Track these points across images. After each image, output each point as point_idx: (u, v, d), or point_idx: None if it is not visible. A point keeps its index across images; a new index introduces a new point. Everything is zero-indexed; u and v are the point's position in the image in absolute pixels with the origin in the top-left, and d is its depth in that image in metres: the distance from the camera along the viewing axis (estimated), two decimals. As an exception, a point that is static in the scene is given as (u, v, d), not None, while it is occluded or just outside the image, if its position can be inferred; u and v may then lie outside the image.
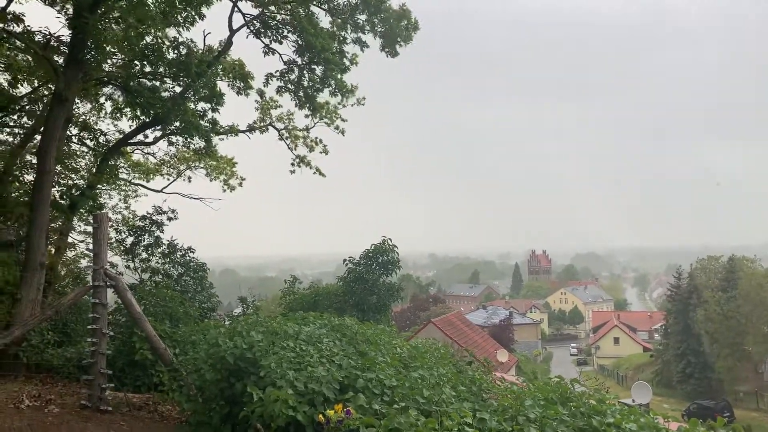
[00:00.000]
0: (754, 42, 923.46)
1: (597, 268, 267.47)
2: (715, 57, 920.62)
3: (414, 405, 5.51)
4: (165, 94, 14.38)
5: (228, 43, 15.49)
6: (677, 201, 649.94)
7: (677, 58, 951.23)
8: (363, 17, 14.48)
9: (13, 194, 14.80)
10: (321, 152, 18.36)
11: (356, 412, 5.09)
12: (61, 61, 12.28)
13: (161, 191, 19.30)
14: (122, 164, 18.70)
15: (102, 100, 16.36)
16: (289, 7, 14.42)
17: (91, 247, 9.66)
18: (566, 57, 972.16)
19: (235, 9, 14.89)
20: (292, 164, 18.45)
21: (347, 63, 15.00)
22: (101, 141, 16.89)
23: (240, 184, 19.78)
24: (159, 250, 17.74)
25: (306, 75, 15.16)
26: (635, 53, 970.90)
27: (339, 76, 14.84)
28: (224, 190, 19.64)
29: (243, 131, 17.88)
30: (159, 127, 16.15)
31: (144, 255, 17.65)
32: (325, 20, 14.92)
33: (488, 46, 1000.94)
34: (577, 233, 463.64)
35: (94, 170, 16.44)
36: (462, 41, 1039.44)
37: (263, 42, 14.90)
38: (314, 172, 18.37)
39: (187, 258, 18.00)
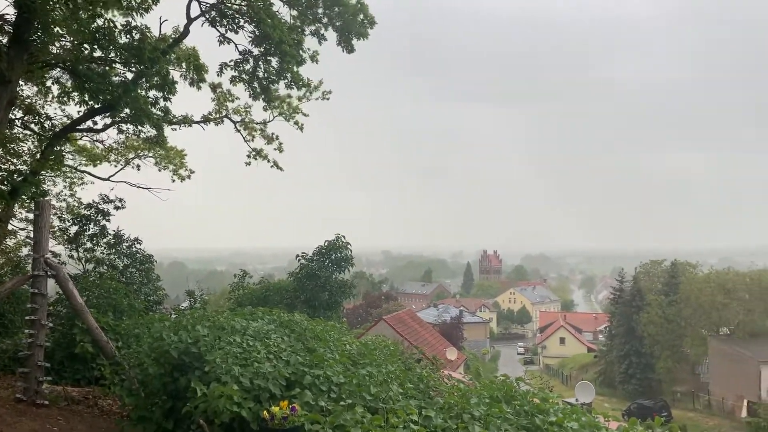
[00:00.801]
0: (709, 50, 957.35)
1: (546, 270, 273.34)
2: (669, 62, 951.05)
3: (361, 402, 5.51)
4: (116, 79, 13.96)
5: (185, 32, 15.13)
6: (625, 205, 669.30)
7: (632, 63, 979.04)
8: (320, 10, 14.35)
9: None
10: (276, 149, 18.16)
11: (302, 408, 5.06)
12: (5, 41, 11.79)
13: (108, 179, 18.75)
14: (68, 150, 18.10)
15: (49, 83, 15.78)
16: (247, -4, 14.17)
17: (32, 235, 9.30)
18: (524, 59, 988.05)
19: (194, -3, 14.56)
20: (248, 156, 18.20)
21: (304, 55, 14.84)
22: (47, 126, 16.30)
23: (189, 176, 19.42)
24: (104, 240, 17.27)
25: (261, 66, 14.94)
26: (591, 58, 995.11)
27: (296, 68, 14.68)
28: (173, 181, 19.24)
29: (197, 122, 17.53)
30: (109, 114, 15.66)
31: (89, 245, 17.15)
32: (283, 11, 14.74)
33: (446, 46, 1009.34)
34: (528, 234, 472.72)
35: (38, 155, 15.85)
36: (421, 41, 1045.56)
37: (219, 31, 14.62)
38: (272, 166, 18.15)
39: (134, 249, 17.57)
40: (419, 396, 6.68)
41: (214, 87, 17.13)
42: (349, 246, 19.19)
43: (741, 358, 51.96)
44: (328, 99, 17.35)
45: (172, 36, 15.22)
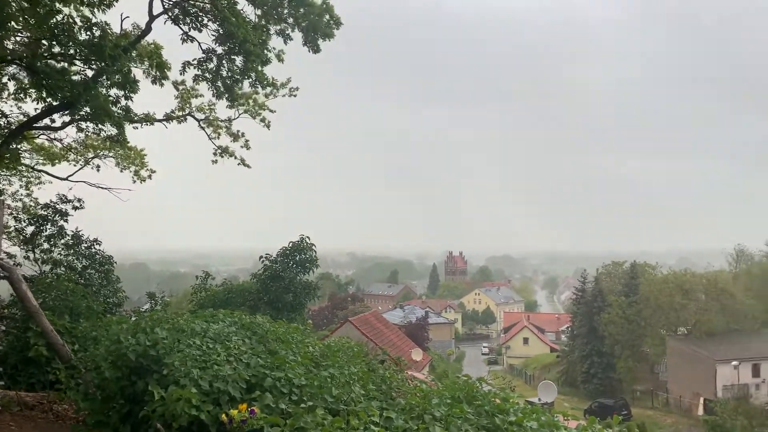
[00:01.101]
0: (669, 60, 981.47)
1: (510, 270, 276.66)
2: (629, 72, 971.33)
3: (322, 404, 5.48)
4: (75, 77, 13.65)
5: (146, 29, 14.88)
6: (588, 208, 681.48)
7: (596, 67, 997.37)
8: (285, 10, 14.26)
9: None
10: (242, 146, 17.98)
11: (262, 411, 5.02)
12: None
13: (67, 179, 18.31)
14: (25, 149, 17.63)
15: (5, 80, 15.35)
16: (210, -7, 13.99)
17: (-16, 235, 9.05)
18: (489, 63, 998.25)
19: (157, -6, 14.31)
20: (214, 154, 17.98)
21: (269, 55, 14.73)
22: (2, 123, 15.84)
23: (150, 177, 19.11)
24: (62, 240, 16.84)
25: (225, 65, 14.78)
26: (555, 61, 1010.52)
27: (260, 68, 14.56)
28: (134, 181, 18.91)
29: (159, 120, 17.24)
30: (67, 112, 15.30)
31: (46, 245, 16.71)
32: (248, 10, 14.60)
33: (412, 49, 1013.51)
34: (492, 236, 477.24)
35: (-8, 154, 15.39)
36: (388, 43, 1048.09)
37: (182, 29, 14.41)
38: (238, 163, 17.96)
39: (93, 250, 17.19)
40: (381, 397, 6.68)
41: (176, 84, 16.90)
42: (313, 247, 19.13)
43: (698, 357, 53.38)
44: (295, 95, 17.24)
45: (134, 33, 14.96)
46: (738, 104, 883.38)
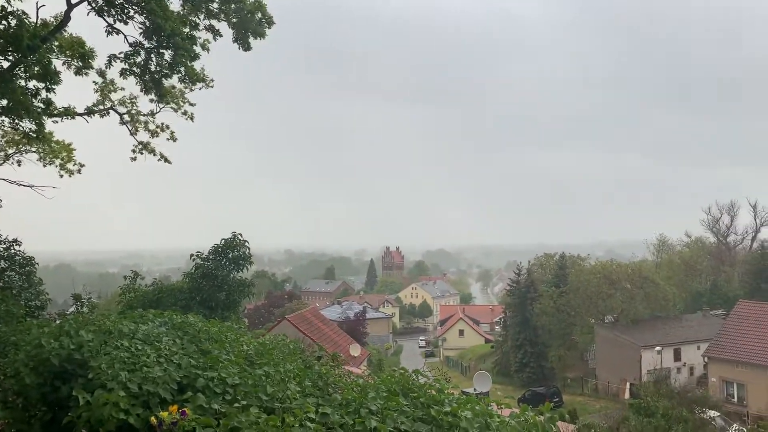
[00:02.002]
0: (601, 60, 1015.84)
1: (446, 264, 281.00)
2: (560, 69, 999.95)
3: (257, 403, 5.40)
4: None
5: (65, 18, 14.23)
6: (520, 202, 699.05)
7: (525, 67, 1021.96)
8: (215, 5, 13.95)
9: None
10: (168, 139, 17.43)
11: (195, 412, 4.89)
12: None
13: (-19, 177, 17.33)
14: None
15: None
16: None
17: None
18: (426, 60, 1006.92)
19: (74, -19, 13.70)
20: (134, 151, 17.36)
21: (198, 50, 14.37)
22: None
23: (79, 171, 18.27)
24: (-23, 242, 15.96)
25: (153, 59, 14.32)
26: (490, 63, 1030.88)
27: (189, 63, 14.19)
28: (61, 176, 18.03)
29: (81, 114, 16.52)
30: (-19, 105, 14.47)
31: (-41, 247, 15.80)
32: (176, 3, 14.19)
33: (350, 47, 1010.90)
34: (428, 231, 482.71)
35: None
36: (325, 40, 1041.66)
37: (106, 21, 13.86)
38: (159, 159, 17.39)
39: (12, 251, 16.36)
40: (318, 393, 6.64)
41: (102, 74, 16.20)
42: (246, 244, 18.82)
43: (624, 344, 55.69)
44: (212, 87, 16.84)
45: (53, 23, 14.30)
46: (664, 102, 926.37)
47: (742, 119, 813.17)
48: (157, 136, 17.30)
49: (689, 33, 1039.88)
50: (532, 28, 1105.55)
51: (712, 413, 30.33)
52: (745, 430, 27.69)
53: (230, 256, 18.57)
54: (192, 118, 17.14)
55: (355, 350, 43.69)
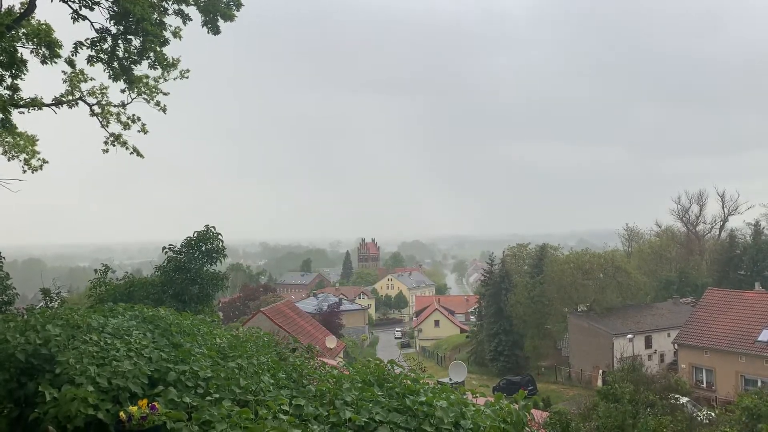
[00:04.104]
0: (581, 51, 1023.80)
1: (421, 256, 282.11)
2: (535, 60, 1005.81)
3: (230, 396, 5.34)
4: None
5: (31, 5, 13.84)
6: (492, 193, 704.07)
7: (501, 59, 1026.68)
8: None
9: None
10: (139, 131, 17.07)
11: (166, 406, 4.81)
12: None
13: (-57, 170, 16.81)
14: None
15: None
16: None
17: None
18: (410, 53, 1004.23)
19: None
20: (105, 143, 16.97)
21: (168, 35, 14.07)
22: None
23: (41, 167, 17.82)
24: (-58, 236, 15.52)
25: (121, 45, 13.99)
26: (469, 55, 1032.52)
27: (159, 48, 13.89)
28: (24, 171, 17.56)
29: (48, 105, 16.08)
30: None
31: None
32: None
33: (335, 39, 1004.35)
34: (403, 223, 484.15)
35: None
36: (310, 32, 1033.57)
37: (71, 7, 13.50)
38: (131, 152, 17.04)
39: (-22, 245, 15.95)
40: (292, 386, 6.59)
41: (71, 62, 15.76)
42: (220, 236, 18.59)
43: (596, 332, 56.51)
44: (187, 77, 16.51)
45: (19, 11, 13.88)
46: (633, 94, 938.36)
47: (716, 111, 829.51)
48: (128, 128, 16.91)
49: (665, 27, 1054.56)
50: (512, 22, 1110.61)
51: (683, 399, 30.92)
52: (713, 414, 28.26)
53: (203, 249, 18.33)
54: (165, 110, 16.78)
55: (331, 342, 43.64)
